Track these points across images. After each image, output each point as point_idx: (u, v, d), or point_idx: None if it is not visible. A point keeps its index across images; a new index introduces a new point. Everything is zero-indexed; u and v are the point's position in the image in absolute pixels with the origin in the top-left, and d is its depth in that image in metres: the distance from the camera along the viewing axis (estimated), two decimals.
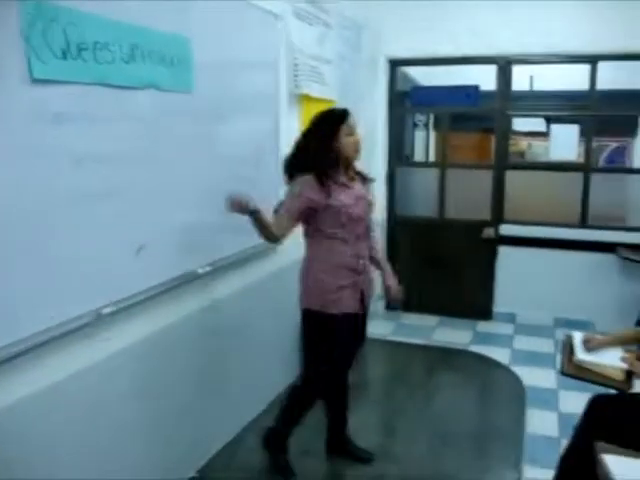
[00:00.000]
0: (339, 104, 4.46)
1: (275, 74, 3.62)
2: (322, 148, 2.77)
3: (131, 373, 2.57)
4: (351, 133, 2.83)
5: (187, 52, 2.67)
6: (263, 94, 3.47)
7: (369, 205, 3.00)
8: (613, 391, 2.74)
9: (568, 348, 2.96)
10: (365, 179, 3.06)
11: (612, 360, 2.78)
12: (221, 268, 3.13)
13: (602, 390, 2.79)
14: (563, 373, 2.85)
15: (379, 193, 5.75)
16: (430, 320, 5.66)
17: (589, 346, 2.89)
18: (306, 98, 3.97)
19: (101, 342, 2.38)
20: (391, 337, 5.29)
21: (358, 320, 2.99)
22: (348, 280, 2.87)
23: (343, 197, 2.81)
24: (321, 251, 2.86)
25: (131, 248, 2.49)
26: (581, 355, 2.86)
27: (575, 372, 2.82)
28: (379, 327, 5.41)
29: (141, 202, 2.51)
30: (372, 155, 5.58)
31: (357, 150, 2.88)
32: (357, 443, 3.35)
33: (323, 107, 4.22)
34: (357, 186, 2.94)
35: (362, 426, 3.63)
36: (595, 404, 2.74)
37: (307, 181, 2.74)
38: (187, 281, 2.87)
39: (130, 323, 2.54)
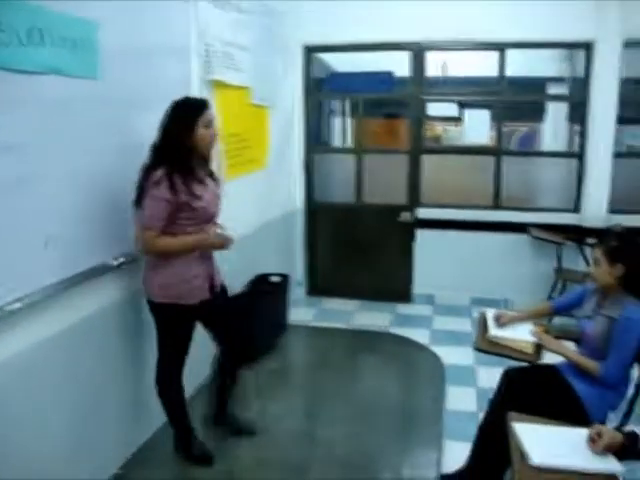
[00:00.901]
0: (255, 91, 4.46)
1: (187, 60, 3.54)
2: (177, 140, 2.71)
3: (44, 370, 2.47)
4: (208, 126, 2.79)
5: (92, 36, 2.57)
6: (175, 80, 3.38)
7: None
8: (525, 363, 2.86)
9: (482, 325, 3.07)
10: (215, 178, 3.04)
11: (523, 334, 2.91)
12: (135, 259, 3.06)
13: (515, 363, 2.90)
14: (477, 349, 2.96)
15: (297, 180, 5.77)
16: (351, 304, 5.73)
17: (501, 322, 3.01)
18: (220, 85, 3.91)
19: (7, 339, 2.28)
20: (313, 323, 5.32)
21: (211, 306, 3.00)
22: (200, 269, 2.90)
23: (204, 195, 2.81)
24: None
25: (39, 240, 2.39)
26: (494, 331, 2.97)
27: (488, 347, 2.93)
28: (300, 313, 5.45)
29: (48, 192, 2.40)
30: (289, 142, 5.58)
31: (212, 144, 2.86)
32: (240, 417, 3.44)
33: (238, 94, 4.21)
34: (211, 183, 2.94)
35: (286, 412, 3.67)
36: (507, 377, 2.86)
37: (163, 182, 2.66)
38: (100, 273, 2.79)
39: (40, 319, 2.43)
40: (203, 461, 3.10)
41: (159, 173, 2.67)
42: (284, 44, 5.23)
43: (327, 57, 6.05)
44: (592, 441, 1.98)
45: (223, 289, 3.16)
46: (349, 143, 7.37)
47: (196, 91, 3.59)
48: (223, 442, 3.29)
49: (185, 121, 2.73)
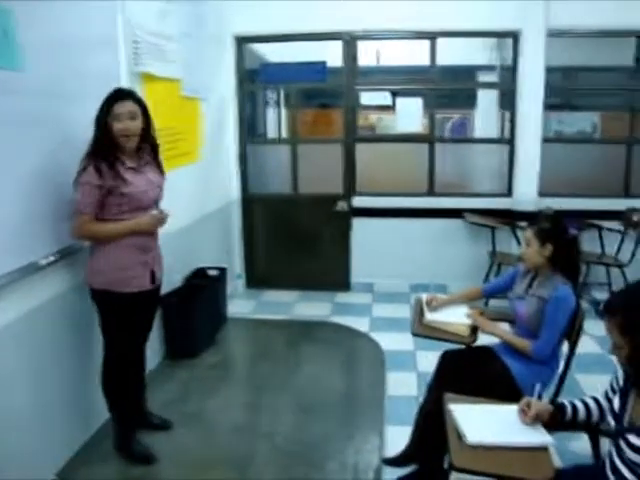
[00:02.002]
0: (185, 83, 4.38)
1: (114, 51, 3.44)
2: (98, 129, 2.72)
3: None
4: (117, 119, 2.73)
5: (7, 24, 2.44)
6: (103, 73, 3.26)
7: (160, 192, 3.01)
8: (461, 346, 2.92)
9: (418, 310, 3.12)
10: (160, 168, 3.04)
11: (458, 317, 2.97)
12: (66, 258, 2.97)
13: (452, 346, 2.96)
14: (414, 333, 3.00)
15: (232, 172, 5.72)
16: (290, 295, 5.73)
17: (432, 306, 3.07)
18: (149, 77, 3.82)
19: None
20: (252, 315, 5.30)
21: (150, 297, 3.02)
22: (138, 259, 2.88)
23: (136, 182, 2.80)
24: None
25: None
26: (430, 315, 3.01)
27: (425, 332, 2.99)
28: (240, 306, 5.43)
29: None
30: (223, 134, 5.52)
31: (124, 138, 2.77)
32: (154, 412, 3.39)
33: (168, 86, 4.13)
34: (151, 172, 2.93)
35: (227, 405, 3.65)
36: (444, 359, 2.92)
37: (88, 167, 2.67)
38: (29, 273, 2.69)
39: None
40: (143, 460, 3.04)
41: (85, 159, 2.69)
42: (215, 35, 5.15)
43: (259, 48, 6.01)
44: (522, 413, 2.04)
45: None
46: (284, 134, 7.36)
47: (125, 84, 3.50)
48: (165, 438, 3.24)
49: (101, 112, 2.73)
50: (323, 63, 5.58)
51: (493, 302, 4.36)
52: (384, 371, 4.10)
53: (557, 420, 2.06)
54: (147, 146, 2.93)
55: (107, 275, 2.81)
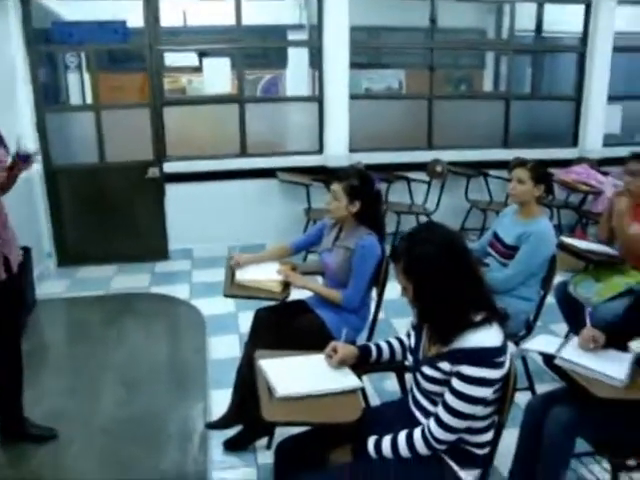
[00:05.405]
0: None
1: None
2: None
3: None
4: None
5: None
6: None
7: None
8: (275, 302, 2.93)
9: (230, 270, 3.08)
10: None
11: (269, 274, 2.96)
12: None
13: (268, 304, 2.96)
14: (226, 295, 2.96)
15: (29, 143, 5.25)
16: (107, 270, 5.47)
17: (235, 264, 3.03)
18: None
19: None
20: (66, 294, 5.00)
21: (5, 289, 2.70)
22: None
23: None
24: None
25: None
26: (239, 275, 2.99)
27: (237, 292, 2.96)
28: (52, 287, 5.11)
29: None
30: (14, 102, 5.04)
31: None
32: (36, 422, 3.03)
33: None
34: None
35: (43, 393, 3.40)
36: (258, 317, 2.92)
37: None
38: None
39: None
40: None
41: None
42: None
43: (53, 5, 5.55)
44: (329, 358, 2.08)
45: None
46: (89, 100, 6.93)
47: None
48: None
49: None
50: (123, 22, 5.29)
51: (313, 256, 4.44)
52: (205, 336, 4.07)
53: (364, 362, 2.12)
54: None
55: None
